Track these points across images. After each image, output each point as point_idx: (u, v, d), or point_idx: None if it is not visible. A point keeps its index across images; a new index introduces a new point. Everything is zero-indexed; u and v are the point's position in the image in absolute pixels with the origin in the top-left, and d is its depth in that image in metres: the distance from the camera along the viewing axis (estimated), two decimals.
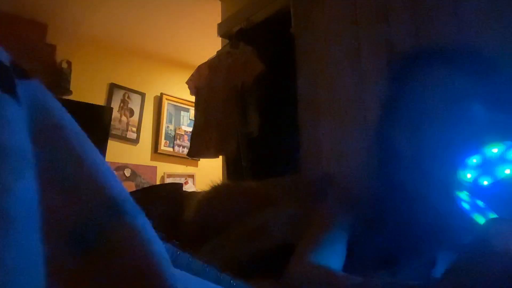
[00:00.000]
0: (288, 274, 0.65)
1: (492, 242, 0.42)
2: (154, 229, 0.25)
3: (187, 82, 2.34)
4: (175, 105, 3.79)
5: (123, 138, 3.42)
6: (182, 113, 3.84)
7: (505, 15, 1.14)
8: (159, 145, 3.62)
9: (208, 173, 2.98)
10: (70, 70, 3.10)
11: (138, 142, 3.51)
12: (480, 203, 0.53)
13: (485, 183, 0.52)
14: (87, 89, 3.20)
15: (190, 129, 2.92)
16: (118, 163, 3.28)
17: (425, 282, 0.60)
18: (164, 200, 1.28)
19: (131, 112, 3.52)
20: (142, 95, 3.60)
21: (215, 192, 1.18)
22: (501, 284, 0.40)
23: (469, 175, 0.54)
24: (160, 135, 3.65)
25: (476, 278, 0.42)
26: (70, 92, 3.07)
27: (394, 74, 0.74)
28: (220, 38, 2.45)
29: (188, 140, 3.23)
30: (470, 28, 1.19)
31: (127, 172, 3.34)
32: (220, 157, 2.30)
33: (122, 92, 3.47)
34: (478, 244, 0.44)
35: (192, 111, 3.41)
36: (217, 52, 2.36)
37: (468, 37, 1.19)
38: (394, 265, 0.64)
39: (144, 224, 0.25)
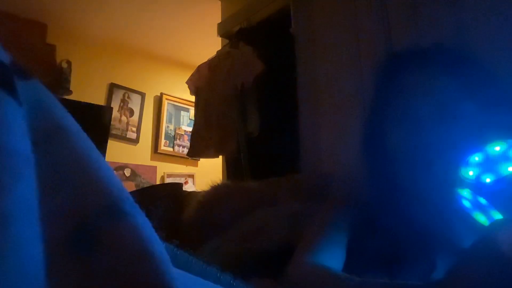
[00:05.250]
0: (288, 274, 0.65)
1: (498, 243, 0.41)
2: (154, 229, 0.25)
3: (187, 82, 2.34)
4: (175, 105, 3.79)
5: (123, 138, 3.42)
6: (182, 113, 3.84)
7: (504, 16, 1.14)
8: (159, 145, 3.62)
9: (208, 173, 2.98)
10: (70, 70, 3.10)
11: (138, 142, 3.51)
12: (482, 200, 0.53)
13: (488, 180, 0.52)
14: (87, 89, 3.20)
15: (190, 129, 2.92)
16: (118, 163, 3.28)
17: (425, 283, 0.59)
18: (164, 200, 1.28)
19: (131, 112, 3.52)
20: (142, 95, 3.60)
21: (215, 192, 1.18)
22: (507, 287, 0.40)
23: (471, 173, 0.54)
24: (160, 135, 3.64)
25: (481, 280, 0.41)
26: (70, 92, 3.07)
27: (389, 71, 0.74)
28: (220, 38, 2.45)
29: (188, 140, 3.23)
30: (469, 29, 1.19)
31: (127, 172, 3.34)
32: (220, 157, 2.30)
33: (122, 92, 3.47)
34: (483, 246, 0.44)
35: (192, 111, 3.41)
36: (217, 52, 2.36)
37: (468, 37, 1.19)
38: (394, 266, 0.64)
39: (144, 224, 0.25)
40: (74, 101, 2.85)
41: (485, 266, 0.41)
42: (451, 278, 0.45)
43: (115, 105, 3.40)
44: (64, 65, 3.09)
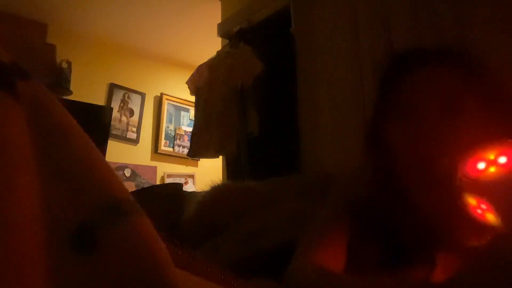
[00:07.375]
0: (289, 275, 0.65)
1: (502, 254, 0.41)
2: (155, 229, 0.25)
3: (187, 82, 2.34)
4: (175, 105, 3.79)
5: (123, 138, 3.42)
6: (182, 113, 3.84)
7: (504, 16, 1.14)
8: (159, 145, 3.62)
9: (208, 173, 2.98)
10: (70, 70, 3.10)
11: (138, 142, 3.51)
12: (484, 200, 0.52)
13: (489, 179, 0.52)
14: (87, 89, 3.20)
15: (190, 129, 2.92)
16: (118, 163, 3.28)
17: (426, 283, 0.59)
18: (164, 200, 1.28)
19: (131, 112, 3.52)
20: (142, 95, 3.60)
21: (215, 192, 1.18)
22: None
23: (471, 174, 0.54)
24: (160, 135, 3.64)
25: (484, 286, 0.41)
26: (70, 92, 3.07)
27: (390, 70, 0.74)
28: (220, 38, 2.45)
29: (188, 140, 3.23)
30: (469, 29, 1.19)
31: (127, 172, 3.34)
32: (220, 157, 2.30)
33: (122, 92, 3.47)
34: (487, 255, 0.43)
35: (192, 111, 3.41)
36: (217, 52, 2.36)
37: (467, 37, 1.19)
38: (396, 266, 0.64)
39: (145, 224, 0.25)
40: (74, 101, 2.85)
41: (489, 272, 0.41)
42: (454, 282, 0.45)
43: (115, 105, 3.40)
44: (64, 65, 3.09)
